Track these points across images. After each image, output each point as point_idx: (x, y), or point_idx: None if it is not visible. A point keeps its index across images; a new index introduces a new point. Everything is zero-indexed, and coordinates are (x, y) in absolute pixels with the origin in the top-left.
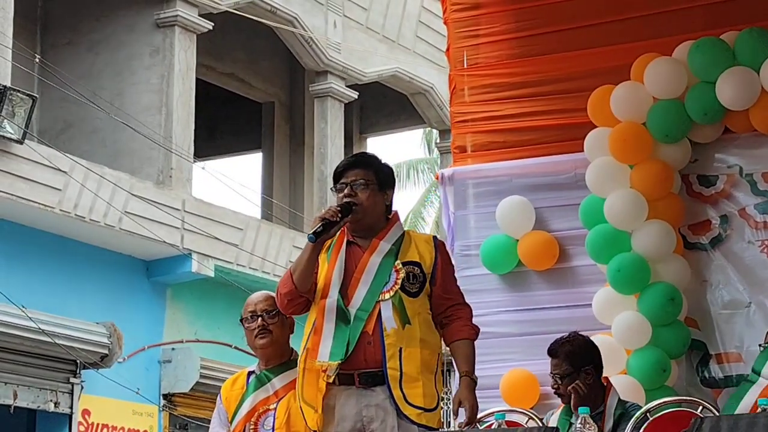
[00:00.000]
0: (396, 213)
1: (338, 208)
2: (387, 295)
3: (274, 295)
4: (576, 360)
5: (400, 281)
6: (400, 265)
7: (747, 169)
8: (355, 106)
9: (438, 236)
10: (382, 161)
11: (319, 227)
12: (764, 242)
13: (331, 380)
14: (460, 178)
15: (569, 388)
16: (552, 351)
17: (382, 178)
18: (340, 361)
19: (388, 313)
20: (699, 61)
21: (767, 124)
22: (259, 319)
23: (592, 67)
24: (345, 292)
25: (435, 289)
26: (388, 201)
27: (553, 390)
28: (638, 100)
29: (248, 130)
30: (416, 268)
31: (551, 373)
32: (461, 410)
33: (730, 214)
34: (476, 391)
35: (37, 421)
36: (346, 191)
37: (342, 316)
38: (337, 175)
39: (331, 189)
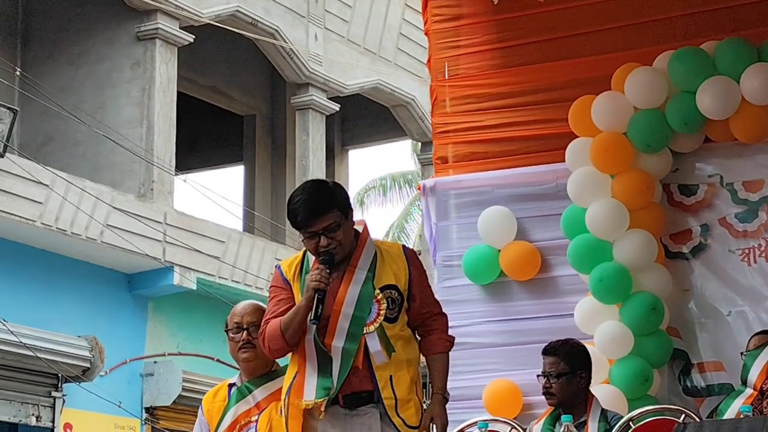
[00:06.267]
0: (365, 228)
1: (326, 268)
2: (372, 327)
3: (261, 306)
4: (574, 361)
5: (383, 312)
6: (380, 295)
7: (727, 178)
8: (336, 119)
9: (413, 247)
10: (334, 190)
11: (320, 309)
12: (745, 251)
13: (322, 417)
14: (442, 188)
15: None
16: (550, 349)
17: (344, 208)
18: (326, 398)
19: (375, 346)
20: (679, 71)
21: (747, 134)
22: (245, 332)
23: (572, 77)
24: (323, 326)
25: (414, 305)
26: (353, 223)
27: (544, 390)
28: (619, 110)
29: (230, 142)
30: (394, 291)
31: (545, 372)
32: (432, 426)
33: (711, 223)
34: (459, 401)
35: None
36: (322, 242)
37: (323, 355)
38: (300, 224)
39: (302, 240)
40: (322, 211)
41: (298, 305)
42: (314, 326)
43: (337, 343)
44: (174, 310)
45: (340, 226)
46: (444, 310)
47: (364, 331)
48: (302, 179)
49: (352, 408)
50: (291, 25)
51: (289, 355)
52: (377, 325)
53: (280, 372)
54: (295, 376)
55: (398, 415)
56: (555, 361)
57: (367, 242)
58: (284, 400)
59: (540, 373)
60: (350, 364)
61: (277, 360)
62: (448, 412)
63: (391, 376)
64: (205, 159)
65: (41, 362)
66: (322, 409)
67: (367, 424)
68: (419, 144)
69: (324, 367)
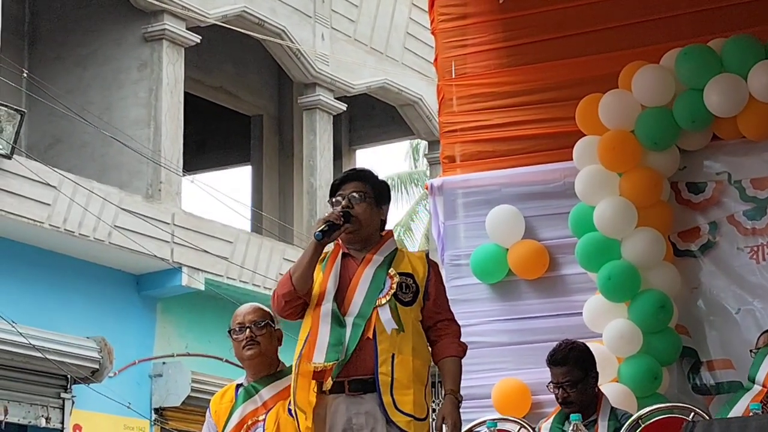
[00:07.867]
0: (390, 231)
1: (340, 213)
2: (383, 300)
3: (262, 306)
4: (585, 364)
5: (395, 286)
6: (394, 272)
7: (735, 176)
8: (343, 118)
9: (428, 251)
10: (379, 177)
11: (325, 227)
12: (753, 248)
13: (330, 385)
14: (450, 188)
15: None
16: (560, 359)
17: (379, 193)
18: (336, 362)
19: (387, 316)
20: (686, 69)
21: (755, 131)
22: (247, 330)
23: (580, 75)
24: (340, 302)
25: (428, 303)
26: (383, 216)
27: (562, 400)
28: (626, 108)
29: (237, 143)
30: (409, 278)
31: (559, 382)
32: (444, 426)
33: (719, 221)
34: (468, 401)
35: None
36: (343, 203)
37: (337, 320)
38: (334, 188)
39: (327, 202)
40: (353, 178)
41: (307, 248)
42: (332, 298)
43: (350, 316)
44: (182, 311)
45: (365, 198)
46: (453, 311)
47: (376, 304)
48: (310, 179)
49: (356, 394)
50: (297, 25)
51: (302, 324)
52: (389, 298)
53: (287, 372)
54: (307, 337)
55: (391, 395)
56: (568, 370)
57: (389, 239)
58: (295, 363)
59: (552, 384)
60: (361, 331)
61: (282, 361)
62: None
63: (393, 355)
64: (212, 159)
65: (50, 364)
66: (331, 378)
67: (372, 412)
68: (417, 144)
69: (337, 331)
